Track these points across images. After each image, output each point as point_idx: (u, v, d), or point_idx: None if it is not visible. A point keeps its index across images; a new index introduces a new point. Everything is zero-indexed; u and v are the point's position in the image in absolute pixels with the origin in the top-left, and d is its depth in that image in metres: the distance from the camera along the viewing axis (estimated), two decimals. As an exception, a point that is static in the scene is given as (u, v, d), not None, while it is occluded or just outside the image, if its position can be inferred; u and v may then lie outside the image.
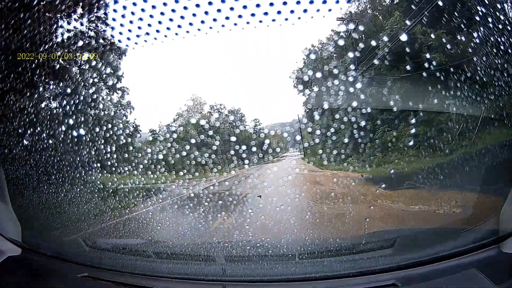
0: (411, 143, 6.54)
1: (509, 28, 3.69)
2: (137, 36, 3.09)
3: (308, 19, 2.72)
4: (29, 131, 4.49)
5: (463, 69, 5.10)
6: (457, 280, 1.65)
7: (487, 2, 3.91)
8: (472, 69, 4.92)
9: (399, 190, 5.81)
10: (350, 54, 7.20)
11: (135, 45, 3.24)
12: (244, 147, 4.80)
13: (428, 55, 5.70)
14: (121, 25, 3.00)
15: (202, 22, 2.72)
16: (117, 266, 2.24)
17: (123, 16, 2.93)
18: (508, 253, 1.60)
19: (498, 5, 3.82)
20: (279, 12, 2.58)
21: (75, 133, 5.09)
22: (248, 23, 2.73)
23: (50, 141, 4.65)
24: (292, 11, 2.57)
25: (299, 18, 2.66)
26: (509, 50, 3.77)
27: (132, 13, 2.86)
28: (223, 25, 2.77)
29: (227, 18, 2.67)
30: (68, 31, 3.51)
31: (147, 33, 3.01)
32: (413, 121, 6.27)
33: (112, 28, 3.08)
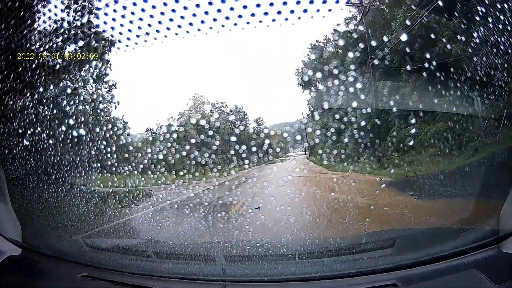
0: (431, 141, 5.94)
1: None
2: (137, 36, 3.09)
3: (308, 19, 2.73)
4: (29, 131, 4.49)
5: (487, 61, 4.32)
6: (457, 280, 1.65)
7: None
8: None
9: (437, 200, 4.60)
10: (358, 48, 6.63)
11: (135, 45, 3.24)
12: (244, 147, 4.80)
13: (447, 45, 5.20)
14: (121, 25, 3.01)
15: (202, 22, 2.73)
16: (117, 266, 2.24)
17: (123, 16, 2.93)
18: (508, 253, 1.60)
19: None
20: (279, 12, 2.58)
21: (75, 133, 5.09)
22: (248, 23, 2.73)
23: (50, 141, 4.64)
24: (292, 11, 2.58)
25: (299, 18, 2.66)
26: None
27: (132, 13, 2.86)
28: (223, 25, 2.78)
29: (227, 18, 2.67)
30: (68, 31, 3.52)
31: (147, 33, 3.01)
32: (432, 117, 5.73)
33: (112, 28, 3.07)
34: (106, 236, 4.76)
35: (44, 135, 4.65)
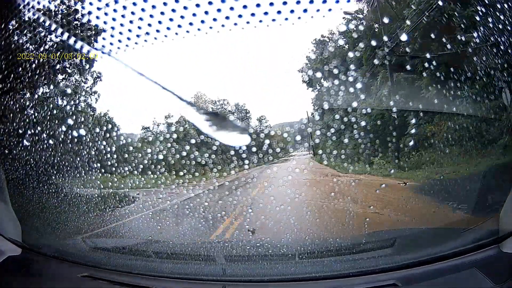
0: (455, 138, 5.17)
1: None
2: (137, 36, 3.08)
3: (308, 18, 2.72)
4: (29, 131, 4.49)
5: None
6: (457, 280, 1.65)
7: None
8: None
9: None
10: (370, 43, 6.31)
11: (135, 45, 3.22)
12: (245, 147, 4.78)
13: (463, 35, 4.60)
14: (121, 25, 3.00)
15: (202, 22, 2.72)
16: (117, 266, 2.24)
17: (123, 16, 2.93)
18: (508, 253, 1.60)
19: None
20: (279, 12, 2.58)
21: (75, 133, 5.09)
22: (248, 22, 2.72)
23: (50, 141, 4.64)
24: (292, 11, 2.57)
25: (299, 18, 2.66)
26: None
27: (132, 13, 2.85)
28: (223, 25, 2.77)
29: (227, 17, 2.67)
30: (68, 31, 3.52)
31: (147, 33, 3.00)
32: (456, 111, 4.95)
33: (113, 28, 3.06)
34: (106, 236, 4.76)
35: (44, 135, 4.65)
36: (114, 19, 2.97)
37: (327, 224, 4.00)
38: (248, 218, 4.77)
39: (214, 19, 2.68)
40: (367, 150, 5.87)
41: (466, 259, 1.69)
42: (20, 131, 4.29)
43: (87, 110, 7.57)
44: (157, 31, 2.92)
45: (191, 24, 2.75)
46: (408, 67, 5.98)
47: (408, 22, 5.74)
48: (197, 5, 2.59)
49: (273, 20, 2.67)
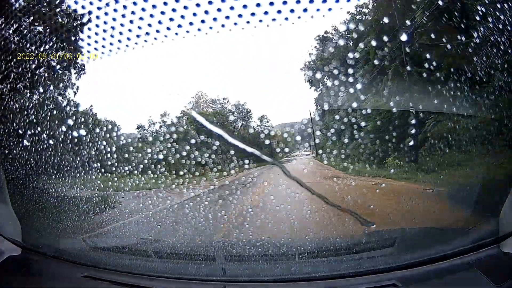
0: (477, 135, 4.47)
1: None
2: (137, 36, 3.08)
3: (308, 18, 2.72)
4: (29, 131, 4.49)
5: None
6: (457, 280, 1.65)
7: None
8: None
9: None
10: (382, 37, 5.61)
11: (135, 45, 3.22)
12: (246, 147, 4.77)
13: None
14: (121, 24, 2.99)
15: (202, 21, 2.72)
16: (117, 266, 2.24)
17: (123, 16, 2.93)
18: (508, 253, 1.60)
19: None
20: (279, 12, 2.58)
21: (75, 133, 5.09)
22: (248, 22, 2.72)
23: (50, 142, 4.64)
24: (292, 11, 2.57)
25: (299, 17, 2.66)
26: None
27: (133, 13, 2.85)
28: (223, 25, 2.77)
29: (227, 17, 2.67)
30: (68, 31, 3.52)
31: (147, 33, 3.00)
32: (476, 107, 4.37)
33: (113, 28, 3.06)
34: (106, 236, 4.76)
35: (44, 135, 4.65)
36: (114, 19, 2.97)
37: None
38: (248, 218, 4.77)
39: (214, 19, 2.69)
40: (379, 150, 5.30)
41: (466, 259, 1.69)
42: (20, 131, 4.29)
43: (87, 110, 7.57)
44: (157, 31, 2.93)
45: (191, 24, 2.76)
46: (426, 57, 5.04)
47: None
48: (197, 5, 2.59)
49: (273, 19, 2.67)
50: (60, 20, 4.25)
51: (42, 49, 4.26)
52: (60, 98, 5.80)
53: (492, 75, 4.17)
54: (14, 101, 4.41)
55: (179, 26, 2.79)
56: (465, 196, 3.57)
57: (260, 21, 2.70)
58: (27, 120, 4.52)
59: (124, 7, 2.85)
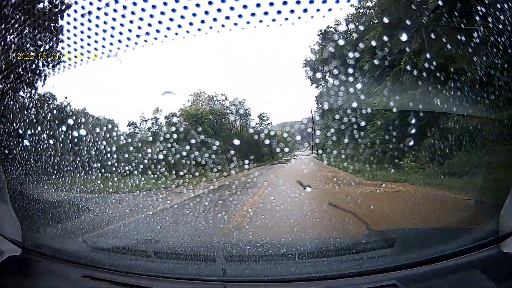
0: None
1: None
2: (137, 36, 3.08)
3: (308, 18, 2.72)
4: (29, 131, 4.49)
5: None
6: (457, 280, 1.65)
7: None
8: None
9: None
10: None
11: (135, 45, 3.22)
12: (246, 147, 4.77)
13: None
14: (121, 24, 2.99)
15: (202, 22, 2.72)
16: (117, 266, 2.24)
17: (123, 16, 2.93)
18: (508, 253, 1.60)
19: None
20: (279, 12, 2.58)
21: (75, 133, 5.10)
22: (248, 22, 2.72)
23: (50, 141, 4.65)
24: (292, 11, 2.57)
25: (299, 17, 2.66)
26: None
27: (133, 13, 2.85)
28: (223, 25, 2.77)
29: (227, 17, 2.67)
30: (68, 31, 3.52)
31: (147, 33, 3.00)
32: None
33: (113, 28, 3.06)
34: (106, 236, 4.76)
35: (44, 135, 4.65)
36: (114, 19, 2.97)
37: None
38: (248, 218, 4.78)
39: (214, 19, 2.68)
40: (391, 152, 4.63)
41: (466, 259, 1.69)
42: (20, 131, 4.29)
43: (87, 110, 7.57)
44: (157, 31, 2.92)
45: (191, 24, 2.75)
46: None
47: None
48: (197, 5, 2.59)
49: (273, 20, 2.67)
50: (60, 20, 4.25)
51: (42, 49, 4.26)
52: (60, 98, 5.80)
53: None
54: (14, 101, 4.41)
55: (179, 26, 2.79)
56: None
57: (260, 21, 2.70)
58: (27, 120, 4.52)
59: (124, 7, 2.85)
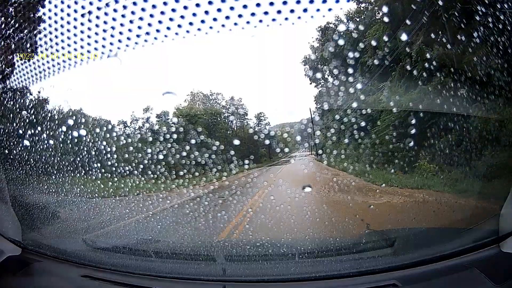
0: None
1: None
2: (137, 36, 3.07)
3: (308, 18, 2.72)
4: (29, 131, 4.49)
5: None
6: (457, 280, 1.65)
7: None
8: None
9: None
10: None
11: (135, 45, 3.22)
12: (245, 147, 4.78)
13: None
14: (121, 24, 2.99)
15: (202, 21, 2.72)
16: (117, 266, 2.24)
17: (123, 16, 2.92)
18: (508, 253, 1.60)
19: None
20: (279, 12, 2.58)
21: (75, 133, 5.09)
22: (248, 22, 2.72)
23: (50, 142, 4.65)
24: (292, 11, 2.57)
25: (299, 17, 2.66)
26: None
27: (133, 13, 2.85)
28: (223, 25, 2.77)
29: (227, 17, 2.67)
30: (68, 31, 3.51)
31: (147, 33, 3.00)
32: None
33: (113, 28, 3.06)
34: (106, 236, 4.76)
35: (44, 135, 4.65)
36: (114, 19, 2.96)
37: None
38: (248, 218, 4.78)
39: (214, 19, 2.68)
40: (409, 153, 4.06)
41: (466, 259, 1.69)
42: (20, 131, 4.29)
43: (88, 110, 7.58)
44: (157, 31, 2.92)
45: (191, 24, 2.75)
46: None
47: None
48: (197, 5, 2.59)
49: (273, 19, 2.67)
50: (60, 20, 4.25)
51: (42, 49, 4.26)
52: (60, 98, 5.80)
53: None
54: (14, 101, 4.41)
55: (179, 26, 2.78)
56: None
57: (260, 21, 2.70)
58: (27, 120, 4.52)
59: (124, 7, 2.85)
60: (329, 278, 1.86)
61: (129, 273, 2.14)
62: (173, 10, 2.67)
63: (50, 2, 3.39)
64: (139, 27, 2.94)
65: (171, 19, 2.74)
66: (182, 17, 2.69)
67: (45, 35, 4.02)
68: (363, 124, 4.24)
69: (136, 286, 2.02)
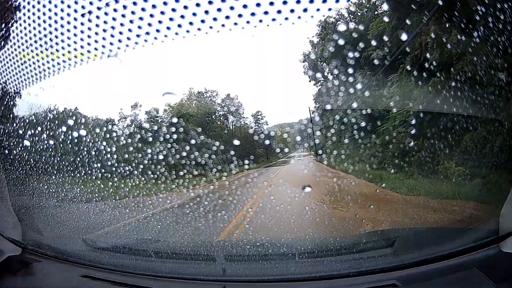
0: None
1: None
2: (137, 36, 3.07)
3: (308, 18, 2.72)
4: (29, 132, 4.49)
5: None
6: (457, 280, 1.65)
7: None
8: None
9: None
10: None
11: (135, 45, 3.21)
12: (245, 147, 4.78)
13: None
14: (121, 24, 2.99)
15: (203, 21, 2.72)
16: (117, 266, 2.24)
17: (123, 15, 2.92)
18: (508, 253, 1.60)
19: None
20: (279, 12, 2.58)
21: (75, 134, 5.10)
22: (248, 22, 2.72)
23: (50, 142, 4.65)
24: (292, 10, 2.57)
25: (299, 17, 2.66)
26: None
27: (133, 13, 2.85)
28: (223, 25, 2.77)
29: (227, 17, 2.67)
30: (68, 30, 3.51)
31: (147, 33, 3.00)
32: None
33: (113, 28, 3.06)
34: (106, 236, 4.76)
35: (44, 135, 4.65)
36: (114, 19, 2.96)
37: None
38: (248, 218, 4.78)
39: (215, 19, 2.68)
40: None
41: (466, 259, 1.69)
42: (20, 131, 4.29)
43: (88, 110, 7.57)
44: (157, 31, 2.92)
45: (191, 23, 2.75)
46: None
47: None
48: (197, 5, 2.59)
49: (273, 19, 2.67)
50: (60, 20, 4.25)
51: (42, 49, 4.26)
52: (59, 98, 5.80)
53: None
54: (14, 101, 4.41)
55: (179, 26, 2.78)
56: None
57: (260, 21, 2.70)
58: (27, 121, 4.52)
59: (124, 7, 2.85)
60: (329, 278, 1.86)
61: (129, 273, 2.14)
62: (173, 10, 2.67)
63: (50, 2, 3.39)
64: (139, 27, 2.94)
65: (171, 19, 2.74)
66: (182, 17, 2.69)
67: (45, 35, 4.02)
68: (376, 122, 4.03)
69: (136, 286, 2.02)
